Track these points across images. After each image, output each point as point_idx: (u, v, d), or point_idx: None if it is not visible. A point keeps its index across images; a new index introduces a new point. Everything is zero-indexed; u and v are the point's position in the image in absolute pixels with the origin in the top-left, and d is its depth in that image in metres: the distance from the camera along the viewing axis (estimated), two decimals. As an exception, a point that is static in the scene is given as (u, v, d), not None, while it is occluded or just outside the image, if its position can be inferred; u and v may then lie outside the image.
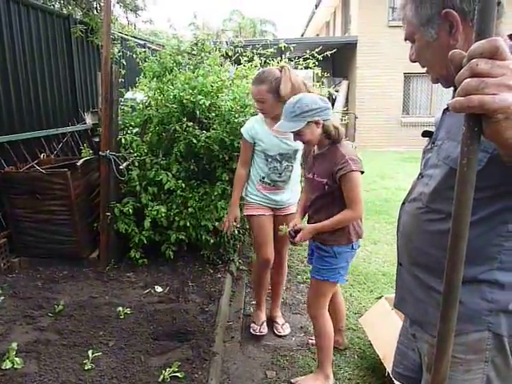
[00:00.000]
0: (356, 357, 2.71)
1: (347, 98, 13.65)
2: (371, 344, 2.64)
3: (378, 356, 2.50)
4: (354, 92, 13.06)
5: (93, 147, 4.37)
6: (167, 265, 3.75)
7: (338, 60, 13.12)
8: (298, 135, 2.19)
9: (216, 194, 3.53)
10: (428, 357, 1.23)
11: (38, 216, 3.67)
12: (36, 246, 3.75)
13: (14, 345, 2.47)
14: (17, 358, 2.40)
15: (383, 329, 2.52)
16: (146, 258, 3.69)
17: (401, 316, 2.39)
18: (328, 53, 4.13)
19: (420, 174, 1.25)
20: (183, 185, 3.54)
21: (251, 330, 2.95)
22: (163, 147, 3.71)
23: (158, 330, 2.77)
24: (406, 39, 1.17)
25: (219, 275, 3.63)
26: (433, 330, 1.19)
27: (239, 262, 3.98)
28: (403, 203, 1.32)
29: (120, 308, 2.98)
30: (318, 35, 21.40)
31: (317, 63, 4.06)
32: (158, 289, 3.35)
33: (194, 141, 3.47)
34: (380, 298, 2.86)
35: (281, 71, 2.53)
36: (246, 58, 4.22)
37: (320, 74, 4.01)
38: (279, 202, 2.76)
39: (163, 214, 3.46)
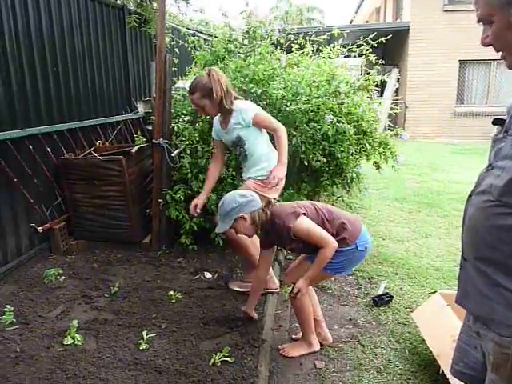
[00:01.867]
0: (407, 352, 2.66)
1: (397, 87, 13.22)
2: (423, 340, 2.58)
3: (430, 352, 2.44)
4: (405, 80, 12.63)
5: (146, 135, 4.48)
6: (216, 252, 3.81)
7: (388, 47, 12.65)
8: (235, 231, 2.46)
9: (266, 182, 3.52)
10: (493, 356, 1.19)
11: (94, 201, 3.83)
12: (92, 230, 3.92)
13: (75, 322, 2.61)
14: (77, 335, 2.54)
15: (438, 325, 2.45)
16: (196, 245, 3.77)
17: (457, 312, 2.33)
18: (383, 39, 4.01)
19: (489, 164, 1.19)
20: (234, 173, 3.57)
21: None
22: (214, 135, 3.73)
23: (207, 315, 2.83)
24: (479, 21, 1.11)
25: (267, 264, 3.64)
26: (500, 329, 1.15)
27: (287, 252, 3.97)
28: (470, 196, 1.27)
29: (171, 292, 3.08)
30: (367, 22, 20.81)
31: (370, 50, 3.97)
32: (208, 275, 3.42)
33: (246, 129, 3.47)
34: (433, 293, 2.77)
35: (209, 75, 2.85)
36: (297, 46, 4.17)
37: (374, 61, 3.92)
38: (244, 177, 3.13)
39: (213, 202, 3.49)
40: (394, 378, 2.43)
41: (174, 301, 3.01)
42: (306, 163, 3.58)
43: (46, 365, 2.32)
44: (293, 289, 2.38)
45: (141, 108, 5.38)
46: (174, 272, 3.47)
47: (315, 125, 3.54)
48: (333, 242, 2.24)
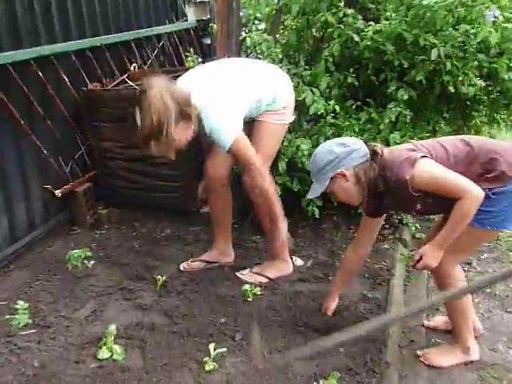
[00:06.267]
0: None
1: None
2: None
3: None
4: None
5: (200, 52, 4.41)
6: (309, 226, 3.77)
7: None
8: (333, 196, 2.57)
9: (387, 121, 3.43)
10: None
11: (130, 152, 3.84)
12: (128, 193, 3.96)
13: (112, 328, 2.60)
14: (116, 346, 2.53)
15: None
16: (280, 216, 3.69)
17: None
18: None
19: None
20: (336, 107, 3.47)
21: None
22: (306, 50, 3.65)
23: (300, 322, 2.77)
24: None
25: (386, 245, 3.59)
26: None
27: (416, 227, 3.82)
28: None
29: (246, 286, 3.02)
30: None
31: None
32: (298, 261, 3.38)
33: (356, 38, 3.39)
34: None
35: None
36: None
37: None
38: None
39: (305, 152, 3.40)
40: None
41: (250, 298, 2.98)
42: (453, 89, 3.37)
43: (74, 387, 2.35)
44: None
45: (191, 14, 5.33)
46: (247, 256, 3.47)
47: (468, 28, 3.33)
48: (475, 189, 2.15)
